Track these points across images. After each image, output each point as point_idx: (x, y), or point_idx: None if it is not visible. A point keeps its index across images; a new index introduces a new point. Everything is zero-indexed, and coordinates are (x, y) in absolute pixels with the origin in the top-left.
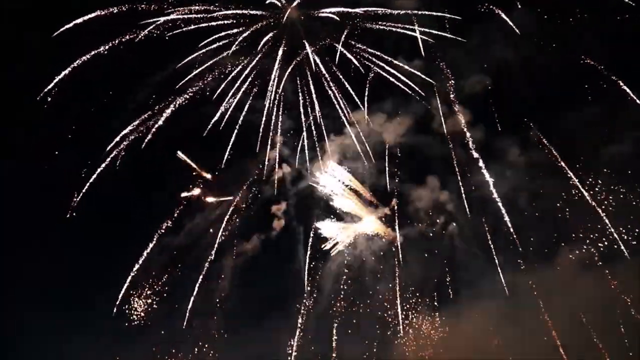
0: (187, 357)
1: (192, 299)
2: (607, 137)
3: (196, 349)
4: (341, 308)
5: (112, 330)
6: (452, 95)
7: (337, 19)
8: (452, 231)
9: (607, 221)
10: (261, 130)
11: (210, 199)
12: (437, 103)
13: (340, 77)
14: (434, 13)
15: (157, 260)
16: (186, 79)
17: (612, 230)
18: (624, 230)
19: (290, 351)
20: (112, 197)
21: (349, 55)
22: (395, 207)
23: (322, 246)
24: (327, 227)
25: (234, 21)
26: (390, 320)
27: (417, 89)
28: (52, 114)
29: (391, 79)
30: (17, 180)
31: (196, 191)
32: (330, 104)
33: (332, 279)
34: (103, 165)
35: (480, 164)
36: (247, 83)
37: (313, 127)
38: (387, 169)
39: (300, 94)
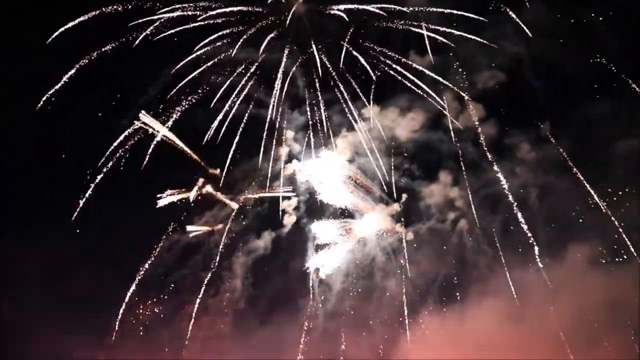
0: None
1: (198, 298)
2: (620, 133)
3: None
4: (349, 307)
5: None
6: (466, 94)
7: (345, 16)
8: (462, 228)
9: (615, 222)
10: (266, 126)
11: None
12: (449, 99)
13: (350, 73)
14: (446, 10)
15: (164, 259)
16: (190, 76)
17: (621, 230)
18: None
19: (298, 351)
20: (116, 196)
21: (355, 54)
22: (400, 205)
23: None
24: (326, 228)
25: (239, 17)
26: (397, 318)
27: (425, 87)
28: (55, 115)
29: (400, 76)
30: (19, 181)
31: (205, 189)
32: (340, 100)
33: (341, 277)
34: (110, 164)
35: (491, 160)
36: (253, 80)
37: (322, 124)
38: (392, 165)
39: (306, 91)
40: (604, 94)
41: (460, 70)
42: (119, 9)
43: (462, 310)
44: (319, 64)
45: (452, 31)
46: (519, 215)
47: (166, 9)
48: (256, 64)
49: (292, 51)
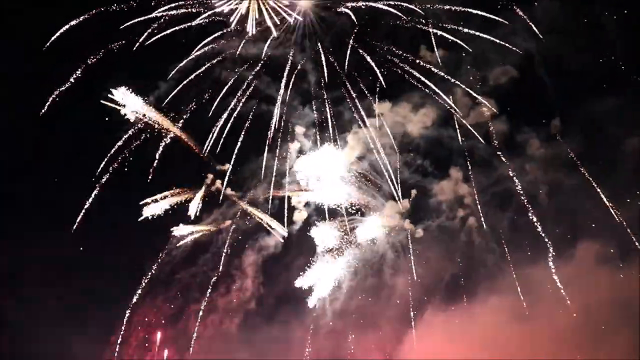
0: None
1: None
2: (629, 130)
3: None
4: (357, 305)
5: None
6: (475, 93)
7: (352, 14)
8: (471, 226)
9: (622, 221)
10: (275, 122)
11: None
12: (460, 95)
13: (359, 70)
14: (457, 8)
15: (172, 258)
16: (197, 72)
17: (628, 229)
18: None
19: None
20: (122, 194)
21: (362, 51)
22: (409, 202)
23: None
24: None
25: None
26: (404, 316)
27: (435, 84)
28: (59, 116)
29: (410, 74)
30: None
31: (214, 186)
32: (352, 96)
33: (350, 274)
34: (115, 164)
35: (502, 156)
36: (261, 77)
37: (331, 121)
38: (399, 162)
39: (313, 88)
40: (614, 91)
41: (472, 63)
42: (123, 7)
43: (469, 308)
44: (324, 62)
45: (463, 29)
46: (529, 213)
47: (171, 5)
48: (261, 62)
49: (302, 48)
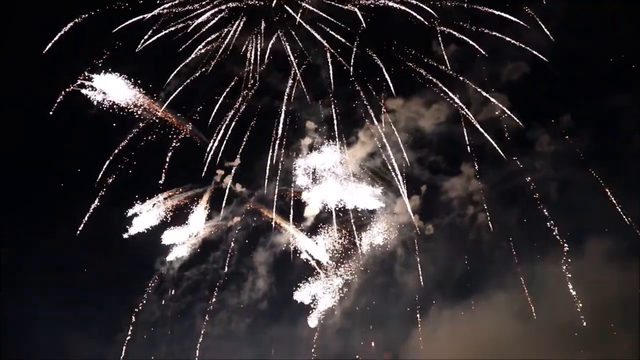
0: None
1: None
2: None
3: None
4: (366, 303)
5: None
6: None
7: (358, 12)
8: (481, 222)
9: (629, 220)
10: (281, 117)
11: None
12: (472, 90)
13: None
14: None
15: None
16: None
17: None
18: None
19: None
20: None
21: (369, 50)
22: (420, 198)
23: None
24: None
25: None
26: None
27: (445, 79)
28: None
29: (422, 70)
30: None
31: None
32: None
33: (360, 272)
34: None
35: (513, 153)
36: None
37: (342, 117)
38: (405, 158)
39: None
40: (625, 88)
41: (485, 59)
42: (126, 5)
43: (477, 306)
44: (329, 61)
45: (473, 27)
46: (538, 210)
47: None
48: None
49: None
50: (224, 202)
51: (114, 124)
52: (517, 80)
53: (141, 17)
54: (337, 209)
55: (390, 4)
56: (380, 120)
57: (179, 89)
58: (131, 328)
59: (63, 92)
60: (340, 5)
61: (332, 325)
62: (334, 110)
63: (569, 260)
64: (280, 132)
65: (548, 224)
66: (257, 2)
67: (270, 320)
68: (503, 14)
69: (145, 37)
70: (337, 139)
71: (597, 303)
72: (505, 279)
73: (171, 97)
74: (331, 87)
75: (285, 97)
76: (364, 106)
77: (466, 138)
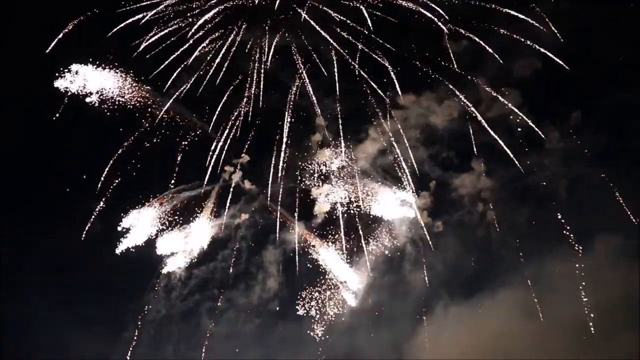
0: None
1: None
2: None
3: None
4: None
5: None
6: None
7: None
8: (490, 220)
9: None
10: (287, 113)
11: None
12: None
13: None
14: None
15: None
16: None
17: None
18: None
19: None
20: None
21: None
22: (429, 195)
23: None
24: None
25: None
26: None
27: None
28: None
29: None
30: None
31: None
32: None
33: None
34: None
35: (523, 150)
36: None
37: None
38: (410, 155)
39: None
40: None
41: (497, 55)
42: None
43: (484, 304)
44: (334, 58)
45: (483, 25)
46: (547, 208)
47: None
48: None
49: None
50: (229, 199)
51: (115, 122)
52: (529, 76)
53: (144, 14)
54: (346, 211)
55: (399, 2)
56: (391, 117)
57: (185, 86)
58: (137, 327)
59: (63, 91)
60: (348, 3)
61: (340, 324)
62: (339, 109)
63: (578, 259)
64: (287, 128)
65: (557, 222)
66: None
67: (277, 320)
68: (512, 12)
69: (149, 35)
70: (345, 137)
71: (605, 302)
72: (513, 278)
73: (176, 95)
74: (336, 85)
75: (293, 93)
76: (373, 103)
77: (472, 137)
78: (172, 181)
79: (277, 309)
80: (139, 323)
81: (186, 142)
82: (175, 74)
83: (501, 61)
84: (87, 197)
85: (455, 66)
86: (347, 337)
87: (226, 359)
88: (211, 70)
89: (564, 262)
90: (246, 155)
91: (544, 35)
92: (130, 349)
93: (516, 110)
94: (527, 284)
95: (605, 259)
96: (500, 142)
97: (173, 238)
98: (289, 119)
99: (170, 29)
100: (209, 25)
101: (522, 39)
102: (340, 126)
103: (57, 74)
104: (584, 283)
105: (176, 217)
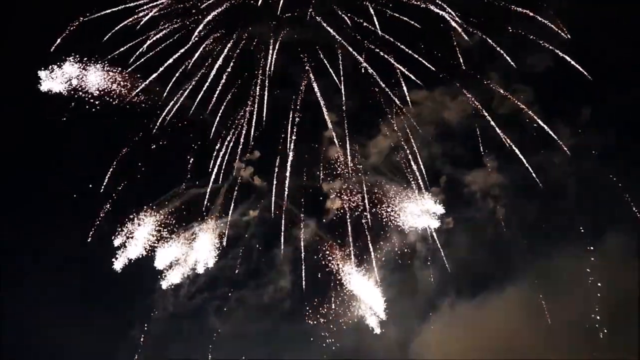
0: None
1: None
2: None
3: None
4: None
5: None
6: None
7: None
8: (500, 217)
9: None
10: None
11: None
12: (496, 80)
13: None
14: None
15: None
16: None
17: None
18: None
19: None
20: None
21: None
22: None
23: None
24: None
25: None
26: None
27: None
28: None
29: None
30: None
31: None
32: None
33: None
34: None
35: (533, 146)
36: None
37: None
38: (417, 151)
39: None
40: None
41: (509, 51)
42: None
43: (491, 302)
44: (339, 54)
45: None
46: (557, 205)
47: None
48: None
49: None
50: (239, 197)
51: (119, 122)
52: (542, 72)
53: (147, 11)
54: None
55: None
56: (401, 114)
57: (189, 85)
58: (144, 326)
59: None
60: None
61: (347, 322)
62: (344, 108)
63: (587, 257)
64: (296, 125)
65: (566, 220)
66: None
67: (284, 319)
68: (523, 10)
69: (153, 33)
70: (354, 135)
71: (614, 301)
72: (521, 276)
73: (181, 93)
74: (341, 84)
75: (301, 89)
76: (381, 101)
77: (481, 135)
78: (181, 181)
79: (284, 308)
80: (146, 326)
81: (194, 144)
82: (178, 73)
83: (511, 62)
84: (93, 197)
85: (464, 66)
86: (353, 335)
87: (232, 358)
88: (214, 69)
89: (572, 261)
90: (257, 152)
91: (555, 32)
92: (140, 345)
93: (525, 109)
94: (535, 282)
95: (614, 257)
96: (508, 142)
97: (175, 249)
98: (297, 116)
99: (175, 26)
100: (213, 24)
101: (534, 37)
102: (346, 126)
103: (57, 74)
104: (592, 278)
105: (182, 223)
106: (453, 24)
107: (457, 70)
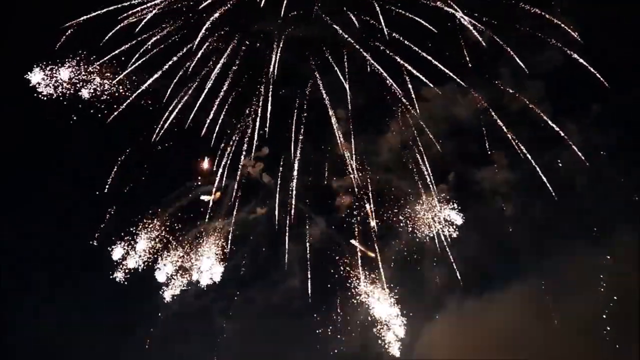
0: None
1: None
2: None
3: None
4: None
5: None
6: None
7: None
8: (508, 214)
9: None
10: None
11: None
12: (507, 75)
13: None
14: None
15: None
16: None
17: None
18: None
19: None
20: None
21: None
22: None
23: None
24: None
25: None
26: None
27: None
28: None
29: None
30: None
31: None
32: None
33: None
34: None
35: (542, 143)
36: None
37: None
38: (421, 148)
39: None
40: None
41: (520, 47)
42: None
43: (498, 300)
44: (344, 52)
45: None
46: (566, 203)
47: None
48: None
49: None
50: (247, 194)
51: (123, 122)
52: (552, 69)
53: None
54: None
55: None
56: (409, 111)
57: (193, 84)
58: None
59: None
60: None
61: (353, 320)
62: (349, 107)
63: (596, 257)
64: (303, 122)
65: (575, 218)
66: None
67: (291, 319)
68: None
69: (156, 31)
70: (363, 132)
71: (623, 301)
72: (528, 274)
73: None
74: (346, 82)
75: (309, 87)
76: (391, 96)
77: (488, 133)
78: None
79: (292, 306)
80: (151, 329)
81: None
82: (181, 72)
83: (520, 62)
84: (98, 198)
85: (473, 63)
86: (360, 332)
87: (239, 356)
88: (217, 68)
89: (581, 260)
90: (265, 148)
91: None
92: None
93: (532, 107)
94: (542, 280)
95: (624, 257)
96: (515, 141)
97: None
98: (303, 114)
99: (177, 25)
100: (216, 22)
101: (543, 35)
102: (351, 125)
103: (57, 74)
104: (601, 276)
105: (187, 225)
106: (463, 21)
107: (466, 69)
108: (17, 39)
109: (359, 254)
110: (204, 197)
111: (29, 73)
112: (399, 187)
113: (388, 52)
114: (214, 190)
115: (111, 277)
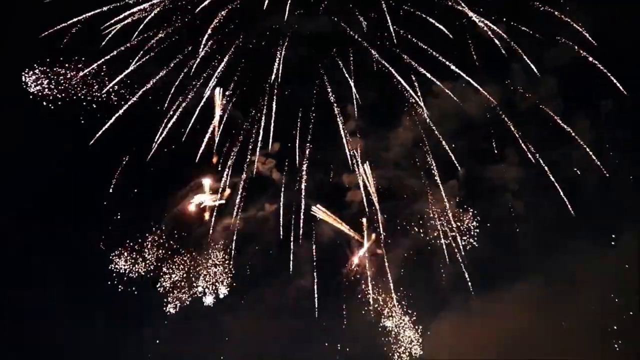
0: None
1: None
2: None
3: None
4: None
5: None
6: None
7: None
8: (517, 212)
9: None
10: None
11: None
12: (519, 70)
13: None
14: None
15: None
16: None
17: None
18: None
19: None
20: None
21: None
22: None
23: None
24: None
25: None
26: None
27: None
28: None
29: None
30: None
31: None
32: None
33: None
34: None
35: (553, 141)
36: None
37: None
38: (427, 145)
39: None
40: None
41: (533, 43)
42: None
43: (504, 298)
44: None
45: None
46: (576, 201)
47: None
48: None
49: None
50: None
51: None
52: (564, 65)
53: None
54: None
55: None
56: (419, 108)
57: (197, 82)
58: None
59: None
60: None
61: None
62: (356, 105)
63: (604, 256)
64: (312, 119)
65: (583, 216)
66: None
67: (297, 315)
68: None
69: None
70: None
71: (630, 301)
72: (535, 273)
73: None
74: (351, 79)
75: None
76: (400, 94)
77: (492, 132)
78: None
79: (299, 304)
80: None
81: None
82: (184, 71)
83: (528, 61)
84: (104, 198)
85: (483, 60)
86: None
87: (245, 357)
88: (220, 67)
89: (589, 259)
90: (276, 144)
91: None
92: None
93: (542, 107)
94: (548, 279)
95: (632, 256)
96: (521, 140)
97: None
98: (312, 110)
99: (181, 23)
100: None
101: (554, 32)
102: (356, 123)
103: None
104: (609, 275)
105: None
106: (474, 19)
107: (476, 66)
108: (17, 39)
109: (367, 254)
110: (210, 199)
111: (29, 73)
112: (409, 184)
113: (396, 50)
114: (220, 189)
115: (115, 282)
